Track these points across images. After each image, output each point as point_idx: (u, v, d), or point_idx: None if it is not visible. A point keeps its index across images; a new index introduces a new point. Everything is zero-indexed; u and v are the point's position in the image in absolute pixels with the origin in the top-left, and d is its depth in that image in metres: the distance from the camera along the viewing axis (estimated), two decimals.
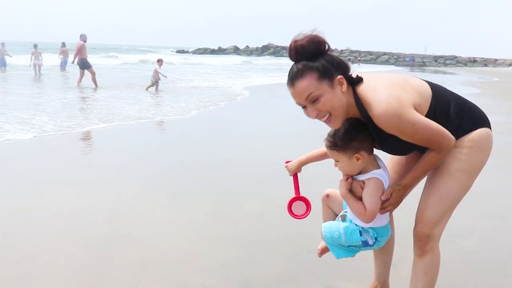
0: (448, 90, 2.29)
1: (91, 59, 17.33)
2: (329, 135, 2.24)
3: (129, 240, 3.45)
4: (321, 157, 2.49)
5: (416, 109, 2.08)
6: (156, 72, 15.23)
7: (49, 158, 6.09)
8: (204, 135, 8.01)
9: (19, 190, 4.62)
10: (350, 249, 2.31)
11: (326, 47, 2.11)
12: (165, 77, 15.76)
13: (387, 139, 2.16)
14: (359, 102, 2.12)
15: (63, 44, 24.20)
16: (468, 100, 2.30)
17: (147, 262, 3.06)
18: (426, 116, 2.11)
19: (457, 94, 2.30)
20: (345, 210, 2.37)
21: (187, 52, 76.76)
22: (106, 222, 3.79)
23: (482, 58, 59.83)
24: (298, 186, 2.57)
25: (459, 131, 2.18)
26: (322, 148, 2.46)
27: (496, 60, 59.20)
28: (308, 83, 2.05)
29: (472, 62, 57.63)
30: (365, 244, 2.29)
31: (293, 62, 2.12)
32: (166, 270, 2.99)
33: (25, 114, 9.05)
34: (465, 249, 3.42)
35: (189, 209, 4.17)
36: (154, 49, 75.16)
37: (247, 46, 72.81)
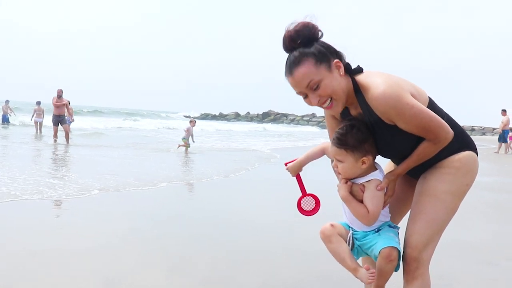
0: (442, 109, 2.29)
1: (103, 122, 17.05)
2: (339, 133, 2.17)
3: None
4: (319, 154, 2.45)
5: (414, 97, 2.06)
6: (188, 130, 14.55)
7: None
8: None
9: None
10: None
11: (320, 34, 2.11)
12: (193, 142, 14.85)
13: (382, 134, 2.13)
14: (357, 88, 2.12)
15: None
16: (457, 122, 2.29)
17: None
18: None
19: (448, 114, 2.28)
20: (351, 231, 2.27)
21: (189, 117, 77.94)
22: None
23: (480, 127, 60.66)
24: (303, 184, 2.51)
25: (449, 150, 2.16)
26: (319, 145, 2.46)
27: (494, 129, 59.94)
28: (306, 69, 2.04)
29: (471, 130, 58.43)
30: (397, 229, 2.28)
31: (288, 53, 2.11)
32: None
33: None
34: None
35: None
36: (148, 113, 75.92)
37: (248, 113, 74.22)
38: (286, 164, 2.53)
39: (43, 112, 21.31)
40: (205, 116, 73.68)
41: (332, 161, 2.30)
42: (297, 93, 2.12)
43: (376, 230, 2.22)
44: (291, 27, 2.08)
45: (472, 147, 2.26)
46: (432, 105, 2.19)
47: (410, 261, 2.19)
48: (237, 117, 72.75)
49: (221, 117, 73.28)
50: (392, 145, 2.19)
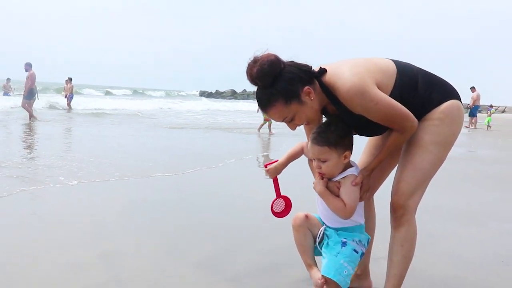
0: (415, 66, 2.33)
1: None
2: (319, 132, 2.21)
3: None
4: (299, 154, 2.50)
5: (379, 87, 2.11)
6: None
7: None
8: None
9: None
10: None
11: (282, 65, 2.12)
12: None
13: (360, 120, 2.19)
14: (327, 90, 2.17)
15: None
16: (435, 75, 2.34)
17: None
18: (392, 92, 2.14)
19: (424, 70, 2.33)
20: (324, 226, 2.34)
21: (204, 93, 76.78)
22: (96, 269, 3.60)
23: (467, 104, 60.53)
24: (279, 187, 2.59)
25: (429, 104, 2.23)
26: (297, 144, 2.50)
27: (491, 105, 60.10)
28: (278, 110, 2.15)
29: (466, 108, 58.43)
30: (362, 255, 2.30)
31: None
32: None
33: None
34: (451, 249, 3.50)
35: None
36: (145, 91, 74.24)
37: (245, 90, 73.76)
38: (266, 166, 2.55)
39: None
40: (202, 94, 73.12)
41: (309, 160, 2.39)
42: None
43: (343, 242, 2.25)
44: (252, 69, 2.11)
45: (454, 95, 2.31)
46: (402, 74, 2.22)
47: (397, 208, 2.28)
48: (233, 94, 72.36)
49: (218, 94, 72.85)
50: (370, 127, 2.26)
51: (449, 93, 2.30)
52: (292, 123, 2.22)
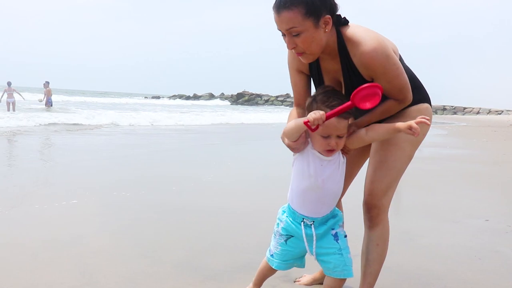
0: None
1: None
2: (333, 97, 2.05)
3: None
4: None
5: None
6: None
7: None
8: None
9: None
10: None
11: None
12: None
13: (349, 89, 2.13)
14: (342, 41, 2.11)
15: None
16: (417, 77, 2.39)
17: None
18: None
19: (411, 69, 2.37)
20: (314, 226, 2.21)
21: (163, 97, 77.02)
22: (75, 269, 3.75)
23: (452, 106, 61.76)
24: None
25: (412, 101, 2.25)
26: (293, 112, 2.37)
27: (464, 108, 61.30)
28: (293, 16, 2.00)
29: (442, 110, 59.50)
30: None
31: None
32: None
33: None
34: (426, 245, 3.58)
35: None
36: (119, 96, 73.45)
37: (222, 93, 73.68)
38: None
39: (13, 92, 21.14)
40: (179, 97, 72.70)
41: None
42: (277, 28, 2.10)
43: (334, 235, 2.19)
44: None
45: (429, 100, 2.40)
46: (401, 60, 2.27)
47: (371, 207, 2.30)
48: (211, 98, 72.20)
49: (195, 98, 72.60)
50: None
51: (427, 98, 2.39)
52: (293, 39, 2.06)
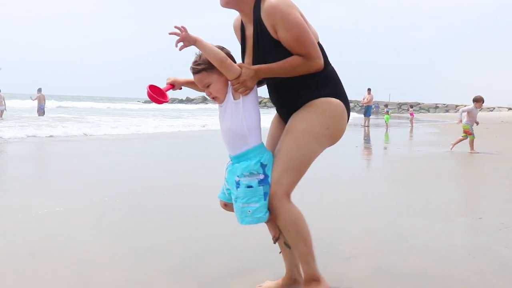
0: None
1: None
2: (192, 63, 2.33)
3: None
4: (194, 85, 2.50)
5: None
6: (471, 113, 10.74)
7: None
8: None
9: None
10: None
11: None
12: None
13: (263, 47, 2.29)
14: (259, 3, 2.27)
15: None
16: (337, 75, 2.44)
17: None
18: None
19: (333, 67, 2.43)
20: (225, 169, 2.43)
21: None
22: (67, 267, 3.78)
23: (444, 104, 62.07)
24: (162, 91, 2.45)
25: (322, 90, 2.31)
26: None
27: (456, 106, 61.62)
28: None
29: (435, 108, 59.83)
30: (261, 181, 2.28)
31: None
32: None
33: None
34: (420, 245, 3.59)
35: None
36: (112, 100, 73.00)
37: None
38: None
39: (3, 100, 21.09)
40: (172, 101, 72.32)
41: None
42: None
43: (236, 182, 2.30)
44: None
45: (344, 99, 2.39)
46: (321, 48, 2.34)
47: (269, 197, 2.27)
48: (204, 100, 72.03)
49: (188, 101, 72.32)
50: (268, 61, 2.28)
51: (342, 95, 2.40)
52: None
